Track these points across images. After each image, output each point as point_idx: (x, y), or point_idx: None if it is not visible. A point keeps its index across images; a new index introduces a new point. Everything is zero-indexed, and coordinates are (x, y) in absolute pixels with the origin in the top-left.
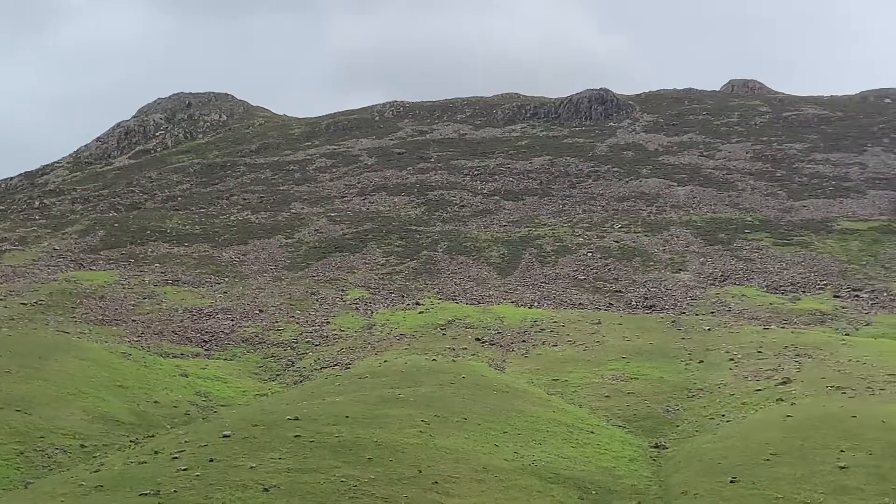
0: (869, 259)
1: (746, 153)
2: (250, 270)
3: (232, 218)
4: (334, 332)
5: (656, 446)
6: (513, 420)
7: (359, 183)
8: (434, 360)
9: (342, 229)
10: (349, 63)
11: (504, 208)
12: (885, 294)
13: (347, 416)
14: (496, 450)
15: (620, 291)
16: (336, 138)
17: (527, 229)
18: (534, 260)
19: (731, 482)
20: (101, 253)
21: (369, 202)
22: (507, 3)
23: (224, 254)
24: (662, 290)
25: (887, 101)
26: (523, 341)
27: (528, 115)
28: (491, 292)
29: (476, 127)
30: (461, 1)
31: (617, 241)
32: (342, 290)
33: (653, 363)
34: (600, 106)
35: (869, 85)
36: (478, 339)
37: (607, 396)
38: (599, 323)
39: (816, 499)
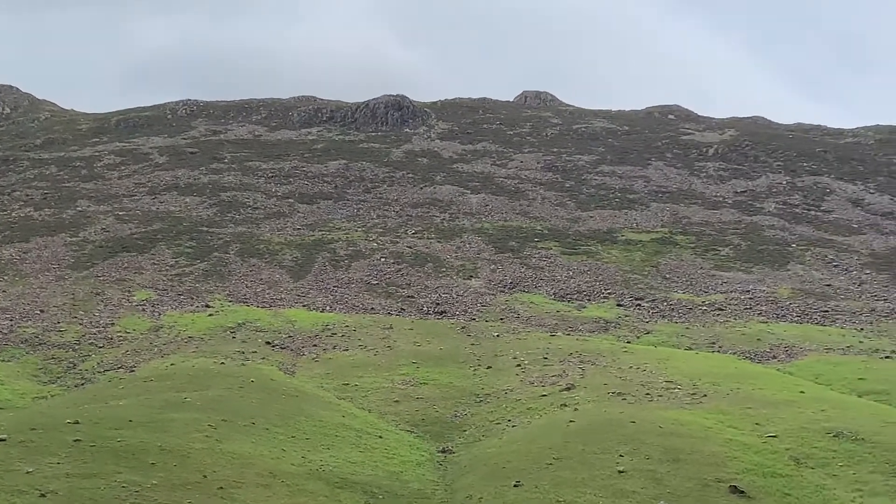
0: (650, 269)
1: (538, 163)
2: (32, 269)
3: (13, 214)
4: (119, 334)
5: (443, 451)
6: (301, 424)
7: (149, 182)
8: (223, 363)
9: (130, 228)
10: (148, 63)
11: (298, 211)
12: (664, 303)
13: (131, 420)
14: (284, 454)
15: (412, 297)
16: (126, 135)
17: (321, 233)
18: (327, 264)
19: (515, 486)
20: None
21: (159, 202)
22: (312, 11)
23: (3, 251)
24: (454, 295)
25: (671, 117)
26: (314, 345)
27: (325, 118)
28: (283, 296)
29: (271, 129)
30: (266, 5)
31: (410, 247)
32: (129, 291)
33: (442, 368)
34: (397, 112)
35: (654, 101)
36: (268, 343)
37: (397, 401)
38: (391, 328)
39: (596, 502)
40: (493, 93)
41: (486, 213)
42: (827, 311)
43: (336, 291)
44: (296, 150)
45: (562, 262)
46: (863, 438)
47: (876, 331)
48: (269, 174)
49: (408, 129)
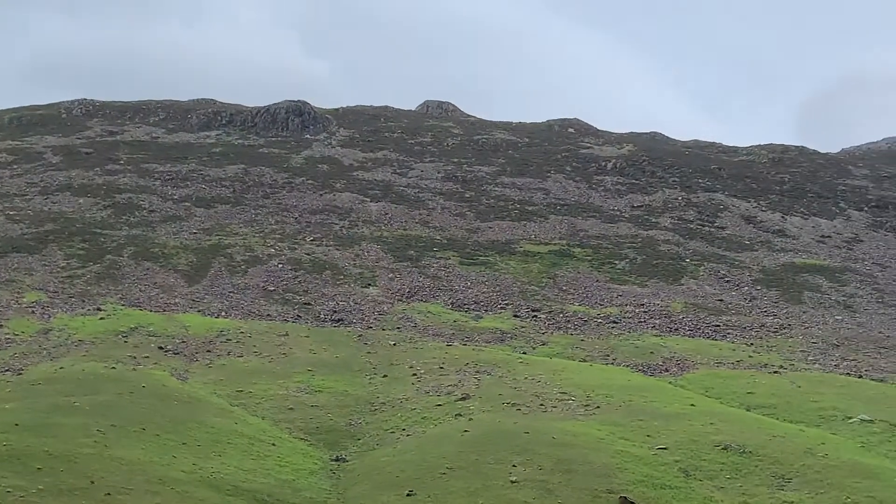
0: (547, 281)
1: (438, 173)
2: None
3: None
4: (7, 336)
5: (337, 459)
6: (193, 431)
7: (41, 181)
8: (114, 367)
9: (21, 229)
10: (44, 61)
11: (195, 215)
12: (560, 315)
13: (17, 424)
14: (174, 461)
15: (309, 304)
16: (19, 134)
17: (217, 238)
18: (223, 269)
19: (408, 495)
20: None
21: (52, 202)
22: (217, 14)
23: None
24: (351, 304)
25: (571, 130)
26: (208, 351)
27: (224, 122)
28: (177, 300)
29: (169, 131)
30: (169, 7)
31: (308, 254)
32: (18, 293)
33: (338, 376)
34: (297, 118)
35: (555, 115)
36: (161, 348)
37: (291, 409)
38: (287, 335)
39: None
40: (395, 102)
41: (386, 222)
42: (718, 326)
43: (232, 297)
44: (194, 154)
45: (460, 273)
46: (750, 451)
47: (765, 346)
48: (166, 177)
49: (308, 136)
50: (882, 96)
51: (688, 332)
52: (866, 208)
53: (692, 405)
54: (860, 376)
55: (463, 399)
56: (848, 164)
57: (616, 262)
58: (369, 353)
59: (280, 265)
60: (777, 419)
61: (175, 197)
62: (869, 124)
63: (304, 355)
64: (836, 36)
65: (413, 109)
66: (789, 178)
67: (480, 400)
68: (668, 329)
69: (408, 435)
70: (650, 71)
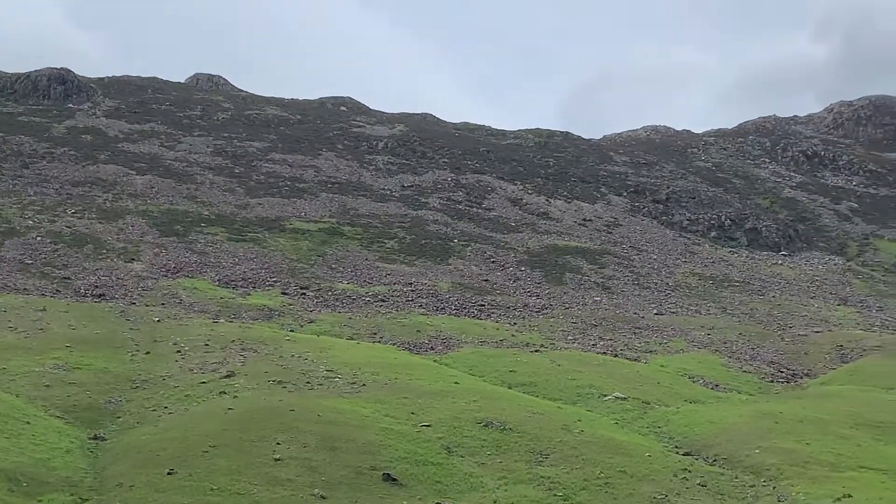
0: (317, 259)
1: (207, 147)
2: None
3: None
4: None
5: (95, 437)
6: None
7: None
8: None
9: None
10: None
11: None
12: (329, 293)
13: None
14: None
15: (69, 278)
16: None
17: None
18: None
19: (169, 474)
20: None
21: None
22: None
23: None
24: (114, 279)
25: (343, 108)
26: None
27: None
28: None
29: None
30: None
31: (69, 227)
32: None
33: (98, 353)
34: (60, 86)
35: (329, 92)
36: None
37: (48, 386)
38: (44, 310)
39: (251, 490)
40: (166, 75)
41: (152, 196)
42: (483, 306)
43: None
44: None
45: (228, 249)
46: (510, 428)
47: (528, 325)
48: None
49: (72, 105)
50: (639, 89)
51: (454, 312)
52: (625, 193)
53: (456, 383)
54: (616, 355)
55: (228, 377)
56: (609, 151)
57: (385, 241)
58: (132, 329)
59: (38, 238)
60: (537, 397)
61: None
62: (627, 115)
63: (62, 331)
64: (602, 31)
65: (182, 82)
66: (554, 163)
67: (246, 377)
68: (434, 308)
69: (170, 413)
70: (425, 53)
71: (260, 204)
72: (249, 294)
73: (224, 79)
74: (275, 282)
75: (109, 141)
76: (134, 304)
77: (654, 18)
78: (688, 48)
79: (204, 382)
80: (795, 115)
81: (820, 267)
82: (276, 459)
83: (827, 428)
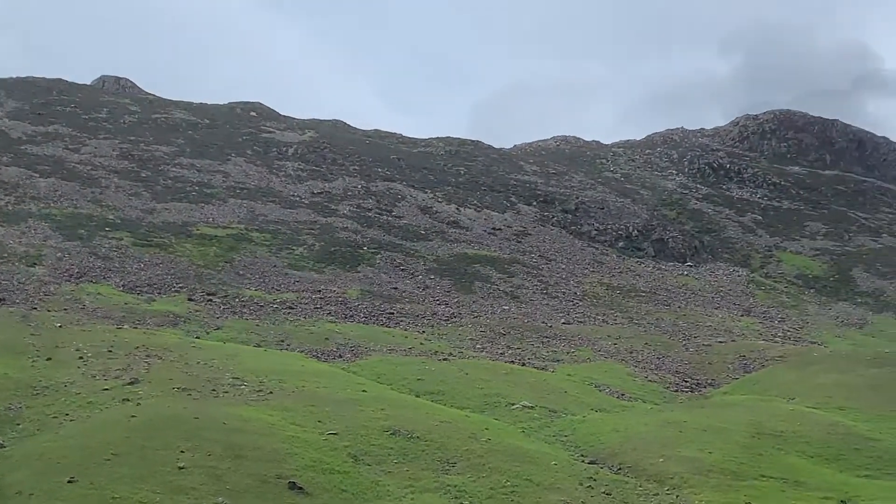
0: (224, 265)
1: (113, 151)
2: None
3: None
4: None
5: None
6: None
7: None
8: None
9: None
10: None
11: None
12: (236, 299)
13: None
14: None
15: None
16: None
17: None
18: None
19: (69, 482)
20: None
21: None
22: None
23: None
24: (15, 283)
25: (253, 114)
26: None
27: None
28: None
29: None
30: None
31: None
32: None
33: None
34: None
35: (238, 97)
36: None
37: None
38: None
39: (154, 499)
40: (71, 76)
41: (56, 199)
42: (392, 314)
43: None
44: None
45: (133, 254)
46: (418, 436)
47: (436, 334)
48: None
49: None
50: (549, 100)
51: (362, 319)
52: (535, 203)
53: (364, 391)
54: (524, 364)
55: (131, 383)
56: (520, 160)
57: (294, 247)
58: (33, 334)
59: None
60: (445, 405)
61: None
62: (537, 125)
63: None
64: (513, 43)
65: (88, 84)
66: (465, 171)
67: (150, 385)
68: (343, 316)
69: (72, 420)
70: (337, 60)
71: (167, 209)
72: (155, 300)
73: (131, 81)
74: (181, 288)
75: (12, 143)
76: (35, 308)
77: (565, 32)
78: (596, 62)
79: (107, 389)
80: (702, 128)
81: (724, 278)
82: (180, 468)
83: (729, 437)
